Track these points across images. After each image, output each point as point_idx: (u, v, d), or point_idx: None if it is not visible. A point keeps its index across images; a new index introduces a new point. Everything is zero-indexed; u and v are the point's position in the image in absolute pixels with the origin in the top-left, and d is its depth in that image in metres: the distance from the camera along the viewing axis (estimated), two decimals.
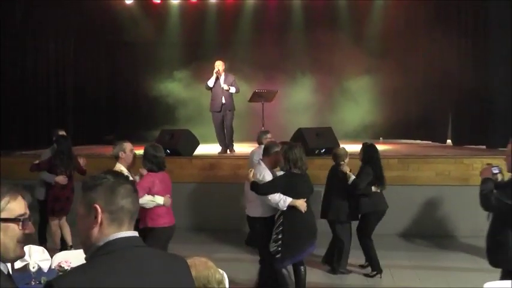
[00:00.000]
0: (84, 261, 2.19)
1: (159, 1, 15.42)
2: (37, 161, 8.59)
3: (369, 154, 7.77)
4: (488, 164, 5.09)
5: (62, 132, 8.92)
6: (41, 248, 4.75)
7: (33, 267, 4.52)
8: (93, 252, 2.17)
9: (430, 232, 9.70)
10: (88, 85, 15.37)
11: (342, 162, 7.75)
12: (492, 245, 4.97)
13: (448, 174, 9.92)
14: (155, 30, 15.65)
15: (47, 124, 14.22)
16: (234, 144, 12.22)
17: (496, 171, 4.93)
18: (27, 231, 2.22)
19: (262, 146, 9.18)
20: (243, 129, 13.14)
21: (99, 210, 2.17)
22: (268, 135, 8.74)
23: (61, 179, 8.23)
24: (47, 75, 14.30)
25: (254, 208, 6.71)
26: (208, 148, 12.38)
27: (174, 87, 15.05)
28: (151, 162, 6.27)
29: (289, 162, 6.34)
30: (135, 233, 2.24)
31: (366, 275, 7.64)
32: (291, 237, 6.22)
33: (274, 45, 14.89)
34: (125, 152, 6.44)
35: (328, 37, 14.25)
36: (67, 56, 14.88)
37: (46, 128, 14.15)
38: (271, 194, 6.23)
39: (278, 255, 6.22)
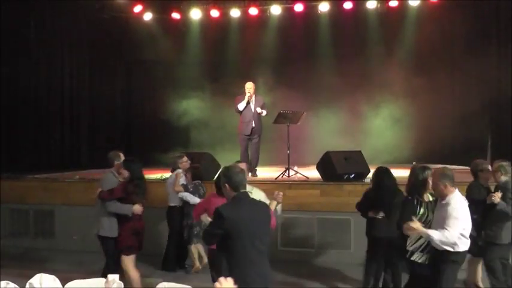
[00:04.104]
0: None
1: (178, 17, 15.58)
2: (101, 189, 7.73)
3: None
4: None
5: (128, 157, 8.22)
6: (51, 277, 4.81)
7: None
8: None
9: None
10: (103, 105, 15.60)
11: None
12: None
13: None
14: (175, 48, 15.74)
15: (60, 146, 14.44)
16: (258, 168, 12.34)
17: None
18: None
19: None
20: (268, 152, 13.18)
21: None
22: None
23: (139, 209, 7.59)
24: (60, 95, 14.57)
25: None
26: None
27: (194, 108, 15.16)
28: None
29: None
30: None
31: None
32: None
33: (301, 64, 14.93)
34: None
35: (359, 54, 14.38)
36: (81, 75, 15.14)
37: (59, 150, 14.38)
38: None
39: None
